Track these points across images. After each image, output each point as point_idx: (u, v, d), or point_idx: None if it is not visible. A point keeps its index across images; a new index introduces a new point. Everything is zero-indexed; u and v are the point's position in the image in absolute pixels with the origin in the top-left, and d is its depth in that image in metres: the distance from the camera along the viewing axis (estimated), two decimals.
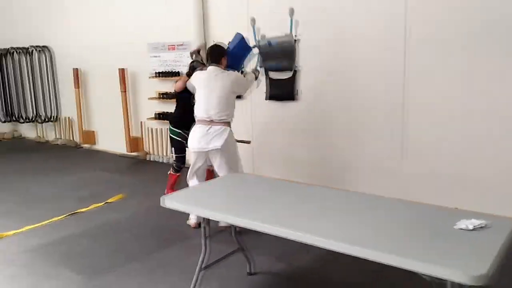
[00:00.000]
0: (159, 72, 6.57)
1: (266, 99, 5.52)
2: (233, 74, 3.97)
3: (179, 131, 4.46)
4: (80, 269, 3.46)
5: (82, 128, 7.95)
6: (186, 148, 4.33)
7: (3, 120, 9.25)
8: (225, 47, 4.14)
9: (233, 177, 3.53)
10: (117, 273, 3.37)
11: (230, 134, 3.88)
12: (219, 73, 3.88)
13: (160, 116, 6.68)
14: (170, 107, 6.47)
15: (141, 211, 4.71)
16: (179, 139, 4.48)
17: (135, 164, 6.96)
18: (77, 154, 7.79)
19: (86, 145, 8.10)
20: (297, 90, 5.24)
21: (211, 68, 3.93)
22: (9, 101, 9.10)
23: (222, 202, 2.89)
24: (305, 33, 5.04)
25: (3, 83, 9.06)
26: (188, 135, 4.04)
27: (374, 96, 4.67)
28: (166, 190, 4.57)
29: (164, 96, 6.56)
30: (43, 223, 4.40)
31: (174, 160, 4.70)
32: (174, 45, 6.39)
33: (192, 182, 4.00)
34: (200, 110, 3.86)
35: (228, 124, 3.89)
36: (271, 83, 5.44)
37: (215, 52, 3.99)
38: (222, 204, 2.83)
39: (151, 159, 6.98)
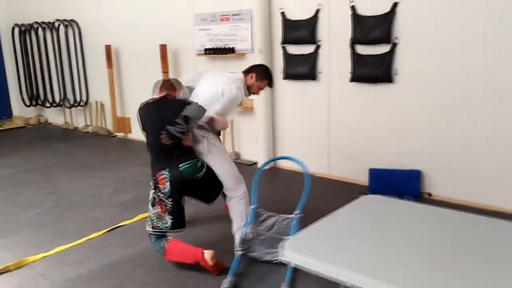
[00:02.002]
0: (208, 49, 5.47)
1: (350, 81, 4.39)
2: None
3: None
4: None
5: (115, 114, 6.95)
6: None
7: (27, 104, 8.35)
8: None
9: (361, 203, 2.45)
10: None
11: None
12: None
13: None
14: None
15: (206, 220, 3.68)
16: None
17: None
18: (111, 144, 6.81)
19: (119, 134, 7.12)
20: (395, 69, 4.09)
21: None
22: (34, 83, 8.17)
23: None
24: None
25: (27, 62, 8.12)
26: None
27: None
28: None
29: None
30: (79, 241, 3.42)
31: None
32: (227, 15, 5.28)
33: None
34: None
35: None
36: (357, 59, 4.29)
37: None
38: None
39: None
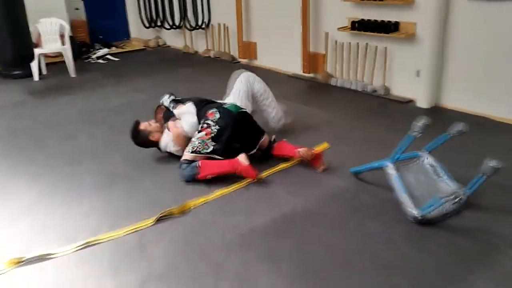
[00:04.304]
0: None
1: None
2: None
3: None
4: None
5: (241, 39, 6.41)
6: None
7: (146, 25, 8.10)
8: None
9: None
10: None
11: None
12: None
13: (357, 26, 4.82)
14: (373, 11, 4.62)
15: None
16: None
17: (313, 89, 5.33)
18: (232, 70, 6.33)
19: (244, 60, 6.62)
20: None
21: None
22: (153, 3, 7.83)
23: None
24: None
25: None
26: None
27: None
28: None
29: None
30: (240, 185, 3.04)
31: None
32: None
33: None
34: None
35: None
36: None
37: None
38: None
39: (336, 84, 5.27)
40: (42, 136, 4.11)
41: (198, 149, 3.07)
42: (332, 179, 3.06)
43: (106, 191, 3.04)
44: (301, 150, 3.15)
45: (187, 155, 3.10)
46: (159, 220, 2.64)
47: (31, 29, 6.24)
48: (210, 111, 3.16)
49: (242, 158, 3.02)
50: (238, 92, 3.55)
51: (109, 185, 3.13)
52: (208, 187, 3.00)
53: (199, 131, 3.12)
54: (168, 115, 3.48)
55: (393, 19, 4.57)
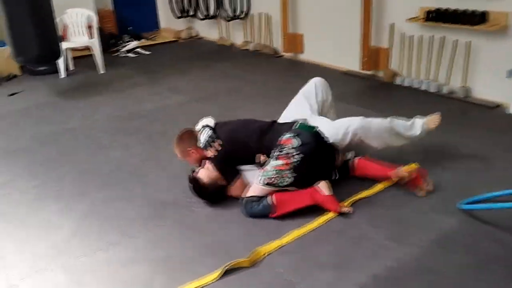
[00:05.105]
0: None
1: None
2: None
3: None
4: None
5: (286, 30, 5.74)
6: None
7: (178, 15, 7.48)
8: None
9: None
10: None
11: None
12: None
13: (433, 16, 4.11)
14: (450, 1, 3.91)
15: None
16: None
17: (374, 89, 4.65)
18: (282, 66, 5.71)
19: (288, 54, 5.95)
20: None
21: None
22: None
23: None
24: None
25: None
26: None
27: None
28: None
29: None
30: (319, 221, 2.42)
31: None
32: None
33: None
34: None
35: None
36: None
37: None
38: None
39: (403, 83, 4.57)
40: (71, 147, 3.56)
41: (274, 181, 2.43)
42: (437, 216, 2.41)
43: (153, 228, 2.46)
44: (401, 170, 2.59)
45: (256, 188, 2.47)
46: (226, 272, 2.06)
47: (57, 21, 5.69)
48: (285, 138, 2.46)
49: (323, 186, 2.47)
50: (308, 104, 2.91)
51: (156, 219, 2.55)
52: (275, 224, 2.40)
53: (275, 159, 2.44)
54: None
55: (479, 8, 3.84)
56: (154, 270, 2.13)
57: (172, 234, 2.39)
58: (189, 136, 2.71)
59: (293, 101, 3.04)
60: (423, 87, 4.37)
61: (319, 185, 2.47)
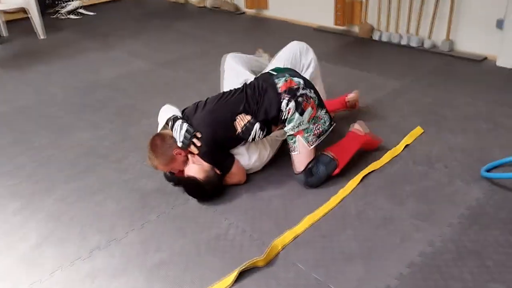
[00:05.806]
0: None
1: None
2: None
3: None
4: None
5: None
6: None
7: None
8: None
9: None
10: None
11: None
12: None
13: None
14: None
15: None
16: None
17: (352, 45, 4.35)
18: (247, 24, 5.25)
19: (251, 10, 5.49)
20: None
21: None
22: None
23: None
24: None
25: None
26: None
27: None
28: None
29: None
30: (331, 206, 2.13)
31: None
32: None
33: None
34: None
35: None
36: None
37: None
38: None
39: (381, 38, 4.29)
40: (26, 131, 3.02)
41: (320, 129, 2.21)
42: (459, 186, 2.19)
43: (140, 225, 2.08)
44: (351, 96, 2.79)
45: (307, 153, 2.21)
46: (241, 274, 1.75)
47: None
48: (283, 83, 2.19)
49: (359, 126, 2.44)
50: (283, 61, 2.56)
51: (142, 213, 2.16)
52: (282, 209, 2.11)
53: (301, 113, 2.14)
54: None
55: None
56: (149, 279, 1.77)
57: (164, 230, 2.03)
58: (162, 139, 2.21)
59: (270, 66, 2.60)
60: (403, 42, 4.13)
61: (355, 127, 2.43)
